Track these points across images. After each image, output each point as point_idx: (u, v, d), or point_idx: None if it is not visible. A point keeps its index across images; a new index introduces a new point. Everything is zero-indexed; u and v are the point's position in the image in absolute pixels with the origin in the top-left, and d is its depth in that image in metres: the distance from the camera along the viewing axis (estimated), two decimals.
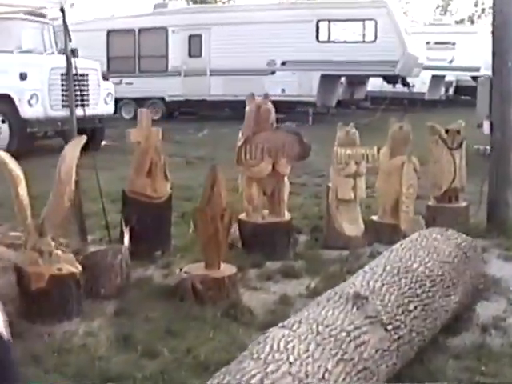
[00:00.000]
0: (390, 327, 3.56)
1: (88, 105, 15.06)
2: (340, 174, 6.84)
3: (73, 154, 5.08)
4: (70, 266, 5.01)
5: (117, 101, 22.29)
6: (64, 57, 15.81)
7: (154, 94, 23.10)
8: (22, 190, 4.86)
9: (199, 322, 4.88)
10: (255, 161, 6.51)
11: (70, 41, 7.38)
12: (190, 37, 22.82)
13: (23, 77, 13.99)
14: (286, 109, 22.10)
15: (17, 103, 13.94)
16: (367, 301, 3.59)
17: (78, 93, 14.84)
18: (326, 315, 3.40)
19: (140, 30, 23.23)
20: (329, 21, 21.37)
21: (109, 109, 15.78)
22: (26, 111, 13.94)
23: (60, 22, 24.86)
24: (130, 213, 6.63)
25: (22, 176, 4.89)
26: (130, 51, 23.39)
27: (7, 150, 13.92)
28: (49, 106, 14.29)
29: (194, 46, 22.85)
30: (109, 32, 23.54)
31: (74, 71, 14.56)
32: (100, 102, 15.41)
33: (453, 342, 4.48)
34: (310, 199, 9.41)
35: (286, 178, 6.79)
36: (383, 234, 6.95)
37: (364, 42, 21.10)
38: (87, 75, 15.01)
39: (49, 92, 14.29)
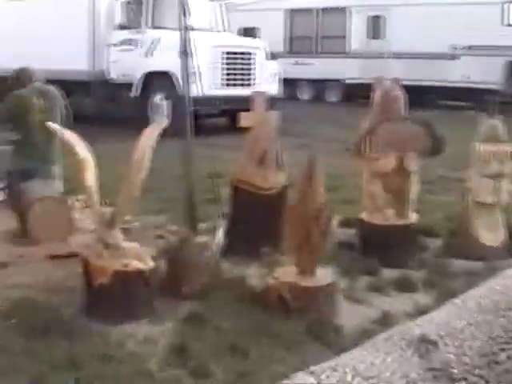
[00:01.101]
0: None
1: (252, 84, 14.75)
2: (480, 173, 5.90)
3: (148, 140, 4.54)
4: (139, 262, 4.50)
5: (294, 82, 21.99)
6: (230, 35, 15.67)
7: (332, 75, 22.42)
8: (89, 175, 4.38)
9: (273, 338, 4.22)
10: (378, 154, 5.72)
11: (185, 16, 6.90)
12: (371, 18, 21.91)
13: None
14: (468, 96, 20.74)
15: (176, 81, 13.78)
16: (436, 346, 2.77)
17: (241, 72, 14.67)
18: (373, 362, 2.60)
19: (320, 10, 22.59)
20: None
21: (274, 89, 15.28)
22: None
23: (243, 1, 24.58)
24: (237, 203, 6.08)
25: (89, 160, 4.41)
26: (310, 31, 22.83)
27: (168, 128, 13.96)
28: (209, 85, 14.02)
29: (375, 27, 21.92)
30: (288, 11, 23.10)
31: (236, 50, 14.38)
32: (264, 81, 14.94)
33: None
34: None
35: (413, 175, 5.93)
36: None
37: None
38: (252, 54, 14.64)
39: (209, 70, 14.03)
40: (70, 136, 4.42)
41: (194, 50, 13.78)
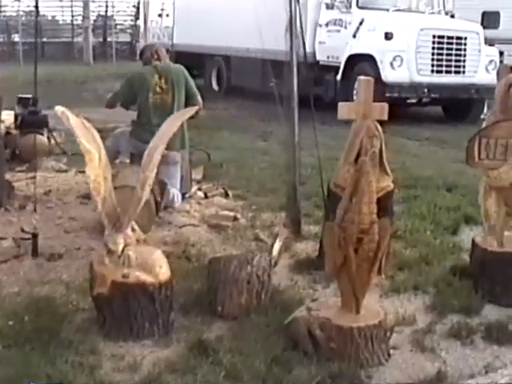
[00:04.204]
0: None
1: (463, 71, 13.45)
2: None
3: (167, 130, 3.83)
4: (144, 274, 3.82)
5: None
6: (442, 17, 14.32)
7: None
8: (91, 169, 3.76)
9: None
10: (494, 162, 4.56)
11: None
12: None
13: (388, 36, 12.82)
14: None
15: (379, 65, 12.82)
16: None
17: (453, 57, 13.34)
18: None
19: None
20: None
21: (490, 78, 13.74)
22: (387, 74, 12.75)
23: None
24: (332, 211, 5.17)
25: (94, 152, 3.76)
26: None
27: None
28: (415, 70, 12.94)
29: None
30: None
31: (447, 33, 13.08)
32: (479, 69, 13.51)
33: None
34: None
35: None
36: None
37: None
38: (465, 38, 13.27)
39: (416, 55, 12.92)
40: (77, 124, 3.79)
41: (400, 32, 12.82)
